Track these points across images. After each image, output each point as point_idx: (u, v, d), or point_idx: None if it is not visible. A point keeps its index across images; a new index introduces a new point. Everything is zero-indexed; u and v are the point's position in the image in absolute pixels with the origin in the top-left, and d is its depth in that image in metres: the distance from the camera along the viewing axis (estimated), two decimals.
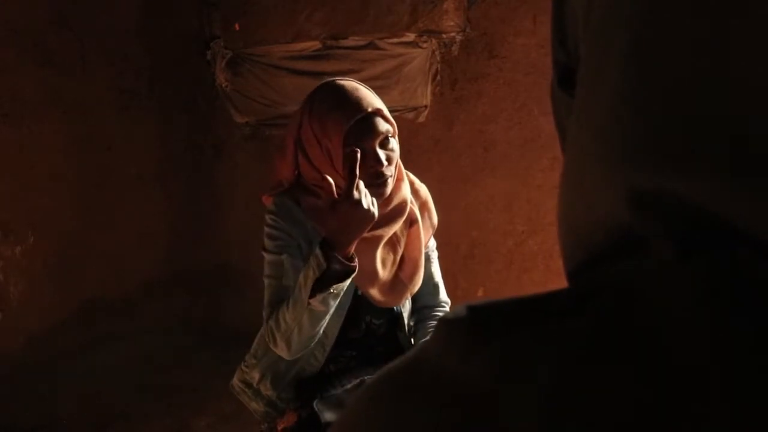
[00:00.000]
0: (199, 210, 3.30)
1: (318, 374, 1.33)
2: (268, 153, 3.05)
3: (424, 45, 2.83)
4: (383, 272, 1.27)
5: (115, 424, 2.48)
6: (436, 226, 1.39)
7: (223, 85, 3.07)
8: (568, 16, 0.28)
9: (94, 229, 3.02)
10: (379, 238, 1.24)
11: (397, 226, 1.26)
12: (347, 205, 1.07)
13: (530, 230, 2.90)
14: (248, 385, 1.38)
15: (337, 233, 1.09)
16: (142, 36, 3.12)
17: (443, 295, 1.43)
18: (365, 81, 1.29)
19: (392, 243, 1.28)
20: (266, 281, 1.24)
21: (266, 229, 1.24)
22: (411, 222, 1.31)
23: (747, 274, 0.18)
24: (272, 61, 2.99)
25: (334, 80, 1.24)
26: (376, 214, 1.10)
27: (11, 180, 2.71)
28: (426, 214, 1.36)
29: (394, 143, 1.21)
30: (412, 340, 1.39)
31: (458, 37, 2.80)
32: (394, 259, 1.29)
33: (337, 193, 1.10)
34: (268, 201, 1.30)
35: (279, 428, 1.33)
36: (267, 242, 1.24)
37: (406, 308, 1.36)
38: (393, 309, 1.34)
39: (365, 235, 1.19)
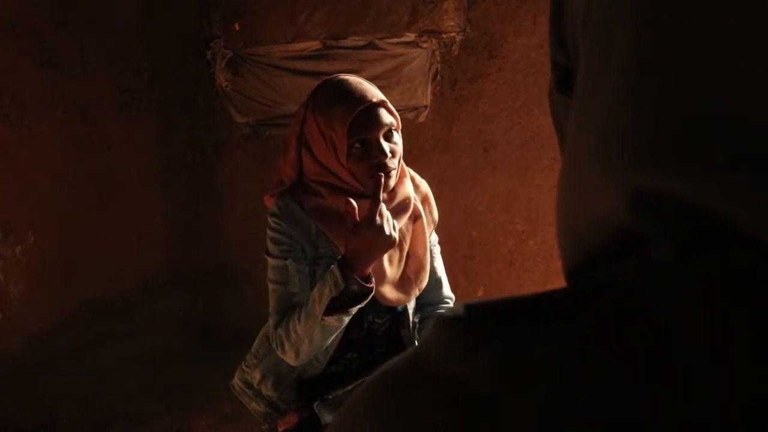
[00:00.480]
0: (199, 210, 3.30)
1: (319, 375, 1.33)
2: (268, 153, 3.05)
3: (424, 45, 2.83)
4: (391, 270, 1.26)
5: (115, 424, 2.48)
6: (437, 221, 1.39)
7: (223, 85, 3.07)
8: (567, 18, 0.28)
9: (94, 229, 3.02)
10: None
11: (401, 222, 1.26)
12: (369, 230, 1.08)
13: (530, 230, 2.90)
14: (249, 385, 1.38)
15: (357, 256, 1.10)
16: (142, 36, 3.12)
17: (447, 290, 1.42)
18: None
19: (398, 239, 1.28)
20: (271, 286, 1.24)
21: (269, 233, 1.24)
22: (415, 218, 1.31)
23: (747, 274, 0.18)
24: (272, 61, 2.99)
25: (336, 76, 1.25)
26: (398, 238, 1.12)
27: (11, 180, 2.71)
28: (427, 208, 1.36)
29: (397, 137, 1.21)
30: (416, 338, 1.39)
31: (458, 37, 2.80)
32: (401, 256, 1.29)
33: (349, 206, 1.11)
34: (269, 202, 1.29)
35: (280, 429, 1.33)
36: (271, 246, 1.23)
37: (410, 305, 1.36)
38: (396, 308, 1.34)
39: None
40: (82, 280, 3.00)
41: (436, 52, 2.83)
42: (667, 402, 0.17)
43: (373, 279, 1.15)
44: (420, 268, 1.30)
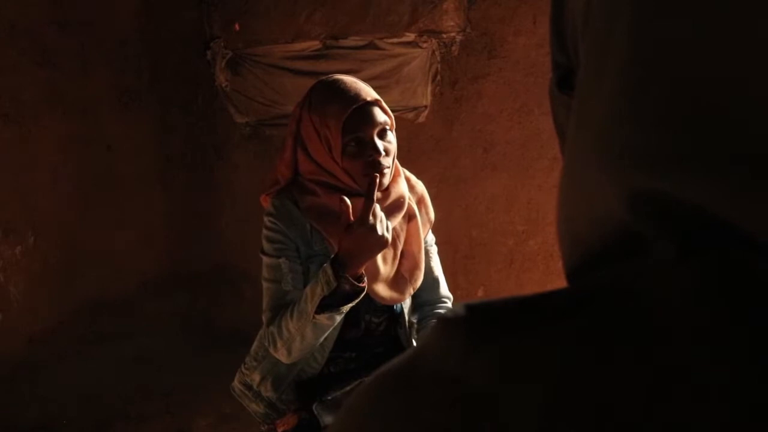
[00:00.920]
0: (199, 210, 3.30)
1: (317, 376, 1.33)
2: (268, 153, 3.05)
3: (424, 45, 2.83)
4: (384, 268, 1.27)
5: (115, 424, 2.48)
6: (433, 221, 1.40)
7: (223, 85, 3.07)
8: (567, 18, 0.28)
9: (94, 229, 3.02)
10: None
11: (395, 221, 1.27)
12: (362, 230, 1.09)
13: (530, 230, 2.90)
14: (248, 387, 1.38)
15: (349, 255, 1.11)
16: (142, 36, 3.12)
17: (444, 290, 1.43)
18: (365, 81, 1.30)
19: (392, 238, 1.29)
20: (265, 284, 1.25)
21: (264, 232, 1.25)
22: (409, 217, 1.32)
23: (746, 274, 0.18)
24: (272, 61, 2.99)
25: (331, 75, 1.27)
26: (390, 239, 1.13)
27: (11, 180, 2.71)
28: (423, 209, 1.37)
29: (391, 136, 1.22)
30: (414, 339, 1.39)
31: (458, 37, 2.80)
32: (395, 254, 1.29)
33: (350, 215, 1.12)
34: (266, 202, 1.30)
35: (279, 430, 1.33)
36: (265, 245, 1.25)
37: (406, 305, 1.36)
38: (393, 307, 1.34)
39: None
40: (82, 280, 3.00)
41: (436, 52, 2.83)
42: (666, 402, 0.17)
43: (366, 278, 1.16)
44: (415, 267, 1.31)
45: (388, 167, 1.21)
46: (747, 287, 0.18)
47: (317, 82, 1.26)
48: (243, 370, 1.40)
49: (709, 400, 0.17)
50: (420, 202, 1.36)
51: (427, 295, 1.40)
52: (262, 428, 1.40)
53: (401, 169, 1.33)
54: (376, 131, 1.18)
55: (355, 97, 1.18)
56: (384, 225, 1.12)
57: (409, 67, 2.85)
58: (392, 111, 1.26)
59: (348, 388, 1.32)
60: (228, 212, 3.25)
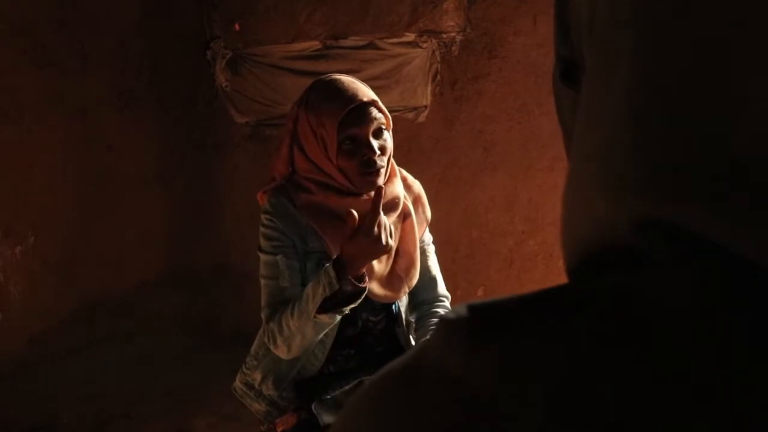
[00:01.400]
0: (199, 210, 3.30)
1: (317, 375, 1.33)
2: (268, 153, 3.05)
3: (424, 45, 2.83)
4: (379, 266, 1.28)
5: (115, 424, 2.48)
6: (429, 220, 1.40)
7: (223, 85, 3.07)
8: (572, 11, 0.28)
9: (94, 229, 3.02)
10: None
11: (390, 220, 1.27)
12: (366, 238, 1.11)
13: (530, 230, 2.90)
14: (250, 386, 1.38)
15: (351, 259, 1.13)
16: (142, 36, 3.12)
17: (442, 289, 1.43)
18: (365, 81, 1.30)
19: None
20: (263, 281, 1.26)
21: (262, 229, 1.26)
22: (405, 216, 1.32)
23: (747, 277, 0.18)
24: (272, 61, 2.98)
25: (329, 75, 1.27)
26: (394, 246, 1.16)
27: (11, 180, 2.71)
28: (419, 208, 1.37)
29: (387, 136, 1.23)
30: (412, 337, 1.39)
31: (458, 37, 2.80)
32: (389, 253, 1.30)
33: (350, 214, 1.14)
34: (263, 199, 1.31)
35: (279, 430, 1.33)
36: (263, 242, 1.26)
37: (404, 303, 1.37)
38: (390, 306, 1.34)
39: None
40: (82, 280, 3.00)
41: (436, 52, 2.83)
42: (667, 402, 0.17)
43: (366, 278, 1.18)
44: (410, 266, 1.32)
45: (383, 167, 1.22)
46: (748, 288, 0.18)
47: (315, 81, 1.27)
48: (244, 370, 1.41)
49: (709, 400, 0.17)
50: (416, 201, 1.37)
51: (424, 294, 1.40)
52: (262, 428, 1.41)
53: (397, 169, 1.34)
54: (371, 130, 1.19)
55: (351, 97, 1.18)
56: (388, 233, 1.15)
57: (409, 67, 2.85)
58: (392, 111, 1.27)
59: (347, 387, 1.32)
60: (228, 212, 3.25)
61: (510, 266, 2.95)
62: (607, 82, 0.23)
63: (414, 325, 1.41)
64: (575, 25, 0.27)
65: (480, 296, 2.96)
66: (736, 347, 0.18)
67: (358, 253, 1.13)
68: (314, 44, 2.92)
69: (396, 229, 1.31)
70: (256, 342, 1.41)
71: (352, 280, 1.14)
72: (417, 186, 1.39)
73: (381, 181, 1.23)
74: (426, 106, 2.89)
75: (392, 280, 1.30)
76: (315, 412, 1.28)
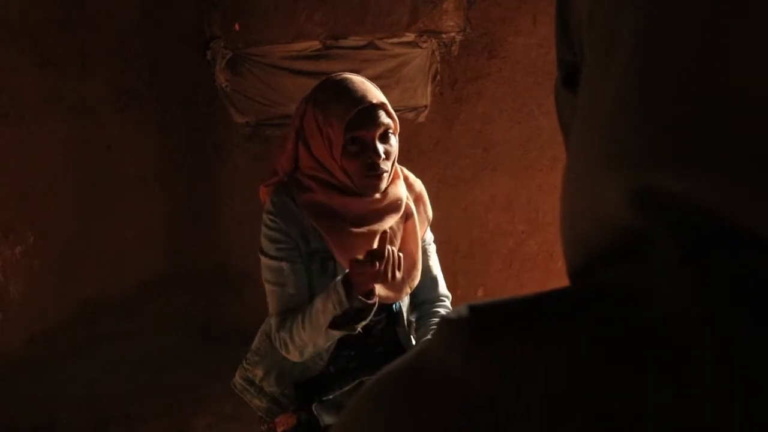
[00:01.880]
0: (199, 210, 3.30)
1: (317, 375, 1.33)
2: (268, 153, 3.05)
3: (424, 45, 2.83)
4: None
5: (115, 424, 2.48)
6: (431, 219, 1.40)
7: (223, 85, 3.07)
8: (573, 14, 0.28)
9: (94, 229, 3.02)
10: (374, 233, 1.25)
11: (392, 221, 1.27)
12: (374, 276, 1.14)
13: (530, 230, 2.90)
14: (250, 382, 1.38)
15: (359, 283, 1.15)
16: (142, 36, 3.11)
17: (443, 288, 1.43)
18: None
19: (389, 237, 1.29)
20: (268, 287, 1.25)
21: (265, 230, 1.25)
22: (407, 216, 1.32)
23: (750, 276, 0.18)
24: (272, 61, 2.98)
25: (340, 73, 1.26)
26: (400, 277, 1.18)
27: (11, 180, 2.71)
28: (421, 207, 1.37)
29: (393, 140, 1.22)
30: (413, 337, 1.39)
31: (458, 37, 2.80)
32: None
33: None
34: (264, 194, 1.30)
35: (279, 430, 1.33)
36: (266, 244, 1.24)
37: (404, 303, 1.37)
38: (391, 306, 1.34)
39: (360, 230, 1.21)
40: (82, 280, 3.00)
41: (436, 52, 2.83)
42: (668, 403, 0.17)
43: (376, 294, 1.19)
44: (412, 266, 1.31)
45: (387, 171, 1.21)
46: (750, 289, 0.18)
47: (325, 78, 1.26)
48: (244, 365, 1.41)
49: (712, 401, 0.17)
50: (418, 200, 1.37)
51: (425, 294, 1.40)
52: (262, 428, 1.40)
53: (399, 169, 1.33)
54: (378, 133, 1.18)
55: (361, 98, 1.17)
56: (396, 267, 1.16)
57: (409, 67, 2.85)
58: None
59: (347, 388, 1.32)
60: (228, 212, 3.25)
61: (510, 266, 2.95)
62: (607, 66, 0.23)
63: (414, 324, 1.41)
64: (576, 24, 0.27)
65: (480, 296, 2.96)
66: (738, 348, 0.17)
67: (365, 282, 1.15)
68: (314, 44, 2.92)
69: (399, 229, 1.31)
70: (257, 338, 1.40)
71: (361, 298, 1.16)
72: (418, 185, 1.39)
73: (384, 184, 1.22)
74: (426, 106, 2.89)
75: (395, 281, 1.30)
76: (315, 412, 1.28)
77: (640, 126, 0.21)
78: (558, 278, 2.80)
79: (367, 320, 1.19)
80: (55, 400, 2.58)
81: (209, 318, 3.24)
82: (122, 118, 3.10)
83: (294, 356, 1.24)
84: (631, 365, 0.18)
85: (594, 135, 0.24)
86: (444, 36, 2.80)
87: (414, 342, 1.38)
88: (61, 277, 2.93)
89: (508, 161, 2.86)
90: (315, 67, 2.90)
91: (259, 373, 1.36)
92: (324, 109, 1.19)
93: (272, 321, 1.25)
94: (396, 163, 1.29)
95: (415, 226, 1.32)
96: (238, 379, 1.42)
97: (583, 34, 0.26)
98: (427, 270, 1.38)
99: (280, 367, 1.33)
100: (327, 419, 1.28)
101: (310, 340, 1.19)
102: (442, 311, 1.39)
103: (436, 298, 1.41)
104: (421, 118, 2.89)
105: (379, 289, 1.26)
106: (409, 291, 1.33)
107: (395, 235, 1.30)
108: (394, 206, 1.28)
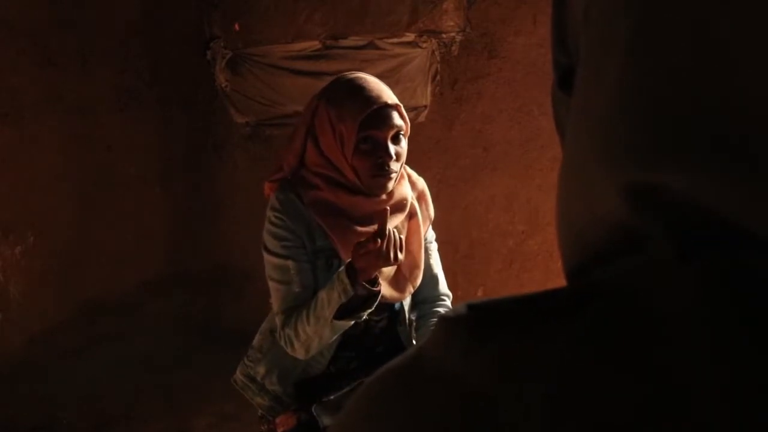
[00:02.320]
0: (199, 210, 3.30)
1: (318, 375, 1.33)
2: (268, 153, 3.05)
3: (424, 45, 2.83)
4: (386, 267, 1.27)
5: (115, 424, 2.48)
6: (432, 217, 1.40)
7: (223, 85, 3.07)
8: (568, 16, 0.28)
9: (94, 229, 3.02)
10: None
11: (397, 221, 1.27)
12: (377, 257, 1.13)
13: (530, 230, 2.90)
14: (252, 379, 1.38)
15: (362, 269, 1.15)
16: (142, 36, 3.11)
17: (443, 287, 1.43)
18: None
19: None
20: (273, 285, 1.25)
21: (269, 227, 1.24)
22: (410, 215, 1.32)
23: (746, 275, 0.18)
24: (272, 61, 2.98)
25: (354, 72, 1.26)
26: (402, 258, 1.17)
27: (11, 180, 2.71)
28: (423, 204, 1.37)
29: (404, 142, 1.23)
30: (413, 335, 1.39)
31: (458, 37, 2.80)
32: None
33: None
34: (269, 190, 1.30)
35: (279, 431, 1.33)
36: (271, 242, 1.24)
37: (406, 302, 1.37)
38: (393, 305, 1.34)
39: (366, 229, 1.21)
40: (82, 280, 3.00)
41: (436, 52, 2.83)
42: (667, 402, 0.17)
43: (380, 281, 1.19)
44: (414, 266, 1.31)
45: (396, 172, 1.22)
46: (747, 287, 0.18)
47: (339, 76, 1.26)
48: (246, 362, 1.40)
49: (709, 400, 0.17)
50: (420, 198, 1.37)
51: (426, 293, 1.40)
52: (262, 428, 1.40)
53: (403, 169, 1.33)
54: (390, 134, 1.19)
55: (376, 98, 1.18)
56: (397, 247, 1.16)
57: (408, 67, 2.85)
58: None
59: (347, 389, 1.32)
60: (228, 212, 3.25)
61: (510, 266, 2.95)
62: (603, 64, 0.23)
63: (415, 323, 1.41)
64: (572, 23, 0.27)
65: (480, 296, 2.96)
66: (737, 348, 0.18)
67: (368, 266, 1.14)
68: (314, 44, 2.92)
69: (403, 227, 1.31)
70: (259, 335, 1.40)
71: (366, 285, 1.15)
72: (421, 183, 1.39)
73: (392, 185, 1.23)
74: (426, 106, 2.89)
75: (398, 280, 1.30)
76: (315, 413, 1.28)
77: (638, 125, 0.21)
78: (558, 278, 2.80)
79: (372, 308, 1.19)
80: (55, 400, 2.58)
81: (209, 318, 3.24)
82: (122, 118, 3.09)
83: (300, 353, 1.24)
84: (630, 364, 0.18)
85: (590, 133, 0.24)
86: (444, 36, 2.80)
87: (415, 341, 1.38)
88: (61, 277, 2.93)
89: (508, 161, 2.86)
90: (315, 67, 2.90)
91: (261, 370, 1.36)
92: (338, 106, 1.19)
93: (277, 319, 1.25)
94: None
95: (418, 225, 1.32)
96: (239, 375, 1.41)
97: (579, 33, 0.26)
98: (427, 268, 1.38)
99: (281, 365, 1.33)
100: (326, 420, 1.28)
101: (316, 333, 1.18)
102: (442, 310, 1.39)
103: (437, 296, 1.41)
104: (421, 118, 2.89)
105: (384, 289, 1.26)
106: (412, 290, 1.32)
107: (400, 234, 1.30)
108: (400, 206, 1.28)
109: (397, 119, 1.19)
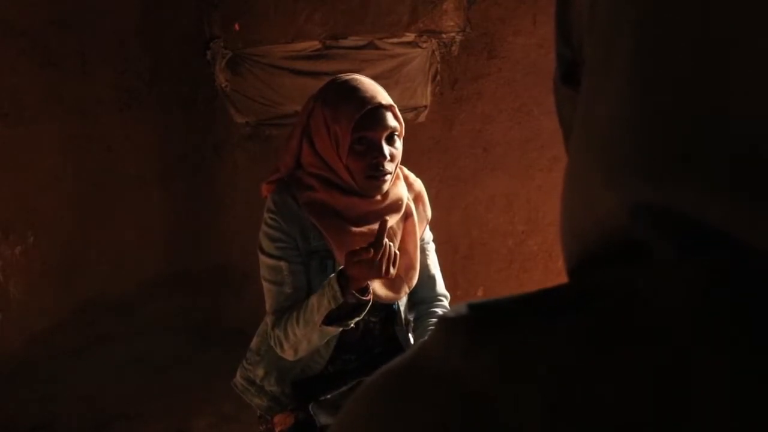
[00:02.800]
0: (199, 210, 3.30)
1: (316, 375, 1.33)
2: (268, 153, 3.05)
3: (424, 45, 2.83)
4: None
5: (115, 424, 2.48)
6: (430, 218, 1.40)
7: (223, 85, 3.07)
8: (573, 11, 0.28)
9: (94, 229, 3.02)
10: (374, 233, 1.25)
11: (392, 221, 1.27)
12: (369, 269, 1.12)
13: (530, 230, 2.90)
14: (251, 382, 1.39)
15: (354, 278, 1.14)
16: (142, 36, 3.11)
17: (441, 288, 1.43)
18: None
19: (388, 237, 1.29)
20: (266, 285, 1.26)
21: (265, 229, 1.25)
22: (406, 216, 1.32)
23: (746, 274, 0.18)
24: (272, 61, 2.98)
25: (350, 74, 1.27)
26: (394, 272, 1.16)
27: (11, 180, 2.71)
28: (420, 206, 1.37)
29: (399, 143, 1.23)
30: (411, 336, 1.39)
31: (458, 37, 2.80)
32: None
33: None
34: (266, 191, 1.31)
35: (276, 430, 1.33)
36: (266, 243, 1.25)
37: (402, 303, 1.37)
38: (390, 305, 1.34)
39: (360, 229, 1.21)
40: (82, 280, 3.00)
41: (436, 52, 2.83)
42: (667, 401, 0.17)
43: (371, 290, 1.18)
44: (410, 266, 1.32)
45: (390, 173, 1.22)
46: (747, 286, 0.18)
47: (334, 78, 1.27)
48: (245, 365, 1.41)
49: (709, 399, 0.17)
50: (417, 199, 1.37)
51: (423, 293, 1.40)
52: (261, 428, 1.41)
53: (399, 169, 1.34)
54: (385, 135, 1.19)
55: (370, 99, 1.19)
56: (391, 262, 1.15)
57: (408, 67, 2.85)
58: None
59: (345, 388, 1.32)
60: (228, 212, 3.25)
61: (510, 266, 2.95)
62: (608, 71, 0.23)
63: (413, 324, 1.41)
64: (576, 26, 0.27)
65: (480, 296, 2.96)
66: (737, 347, 0.18)
67: (359, 276, 1.14)
68: (314, 44, 2.92)
69: (399, 228, 1.31)
70: (256, 337, 1.40)
71: (356, 294, 1.15)
72: (418, 184, 1.39)
73: (386, 186, 1.23)
74: (426, 106, 2.89)
75: (394, 281, 1.30)
76: (312, 412, 1.28)
77: (639, 136, 0.21)
78: (558, 278, 2.80)
79: (361, 317, 1.19)
80: (55, 400, 2.58)
81: (209, 318, 3.24)
82: (122, 118, 3.09)
83: (288, 354, 1.24)
84: (629, 364, 0.18)
85: (593, 140, 0.24)
86: (444, 36, 2.80)
87: (412, 341, 1.38)
88: (61, 277, 2.93)
89: (508, 161, 2.86)
90: (315, 67, 2.90)
91: (260, 372, 1.36)
92: (333, 106, 1.20)
93: (268, 319, 1.26)
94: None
95: (414, 226, 1.33)
96: (239, 379, 1.42)
97: (584, 33, 0.26)
98: (424, 269, 1.38)
99: (279, 366, 1.33)
100: (324, 419, 1.28)
101: (304, 337, 1.19)
102: (440, 311, 1.39)
103: (434, 297, 1.41)
104: (421, 118, 2.89)
105: (378, 289, 1.26)
106: (407, 290, 1.33)
107: (395, 235, 1.30)
108: (395, 206, 1.28)
109: (391, 120, 1.20)
